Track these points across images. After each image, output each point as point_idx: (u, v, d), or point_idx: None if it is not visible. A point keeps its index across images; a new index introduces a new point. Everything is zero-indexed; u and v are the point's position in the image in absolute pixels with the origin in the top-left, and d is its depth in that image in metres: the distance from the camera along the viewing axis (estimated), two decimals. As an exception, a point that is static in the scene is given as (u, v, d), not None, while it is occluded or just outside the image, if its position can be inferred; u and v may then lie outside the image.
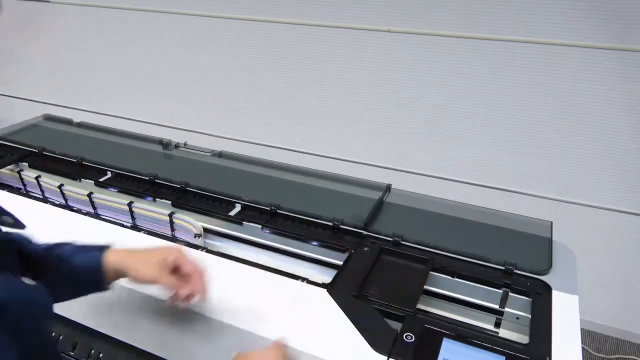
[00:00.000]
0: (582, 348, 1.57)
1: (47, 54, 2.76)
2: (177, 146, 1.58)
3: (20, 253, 0.75)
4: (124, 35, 2.48)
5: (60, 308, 1.10)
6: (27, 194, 1.39)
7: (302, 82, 2.18)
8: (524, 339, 0.89)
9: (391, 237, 1.11)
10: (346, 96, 2.12)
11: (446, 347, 0.81)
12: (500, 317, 1.00)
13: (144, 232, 1.14)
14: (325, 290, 0.95)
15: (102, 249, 0.82)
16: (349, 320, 0.87)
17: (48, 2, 2.54)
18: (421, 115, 2.02)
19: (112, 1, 2.39)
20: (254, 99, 2.33)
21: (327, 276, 1.11)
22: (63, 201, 1.38)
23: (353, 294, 0.94)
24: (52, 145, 1.54)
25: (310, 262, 1.16)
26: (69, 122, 1.78)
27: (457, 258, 1.06)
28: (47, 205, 1.23)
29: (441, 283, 1.04)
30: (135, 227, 1.24)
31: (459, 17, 1.80)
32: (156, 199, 1.30)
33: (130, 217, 1.29)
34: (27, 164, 1.47)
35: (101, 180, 1.38)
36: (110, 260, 0.81)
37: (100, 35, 2.54)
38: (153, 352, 0.99)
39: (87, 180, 1.38)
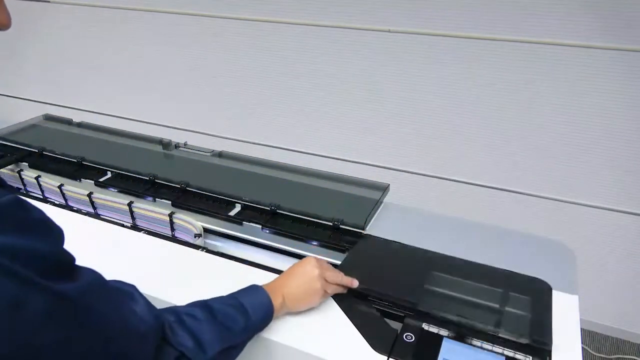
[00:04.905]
0: (582, 348, 1.57)
1: (47, 54, 2.76)
2: (177, 146, 1.58)
3: None
4: (124, 35, 2.48)
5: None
6: (27, 194, 1.40)
7: (302, 82, 2.18)
8: (524, 339, 0.89)
9: (390, 237, 1.11)
10: (346, 96, 2.12)
11: (446, 347, 0.81)
12: (500, 317, 1.00)
13: (144, 232, 1.14)
14: (325, 290, 0.95)
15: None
16: (349, 320, 0.87)
17: (48, 2, 2.54)
18: (421, 115, 2.02)
19: (112, 1, 2.39)
20: (254, 99, 2.33)
21: (327, 276, 1.11)
22: (63, 201, 1.38)
23: (353, 294, 0.94)
24: (52, 146, 1.54)
25: (310, 262, 1.16)
26: (69, 122, 1.77)
27: (457, 258, 1.06)
28: (47, 205, 1.23)
29: (441, 283, 1.04)
30: (135, 227, 1.24)
31: (459, 17, 1.80)
32: (156, 199, 1.30)
33: (130, 217, 1.29)
34: (27, 164, 1.47)
35: (101, 180, 1.38)
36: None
37: (100, 35, 2.54)
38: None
39: (87, 180, 1.38)
